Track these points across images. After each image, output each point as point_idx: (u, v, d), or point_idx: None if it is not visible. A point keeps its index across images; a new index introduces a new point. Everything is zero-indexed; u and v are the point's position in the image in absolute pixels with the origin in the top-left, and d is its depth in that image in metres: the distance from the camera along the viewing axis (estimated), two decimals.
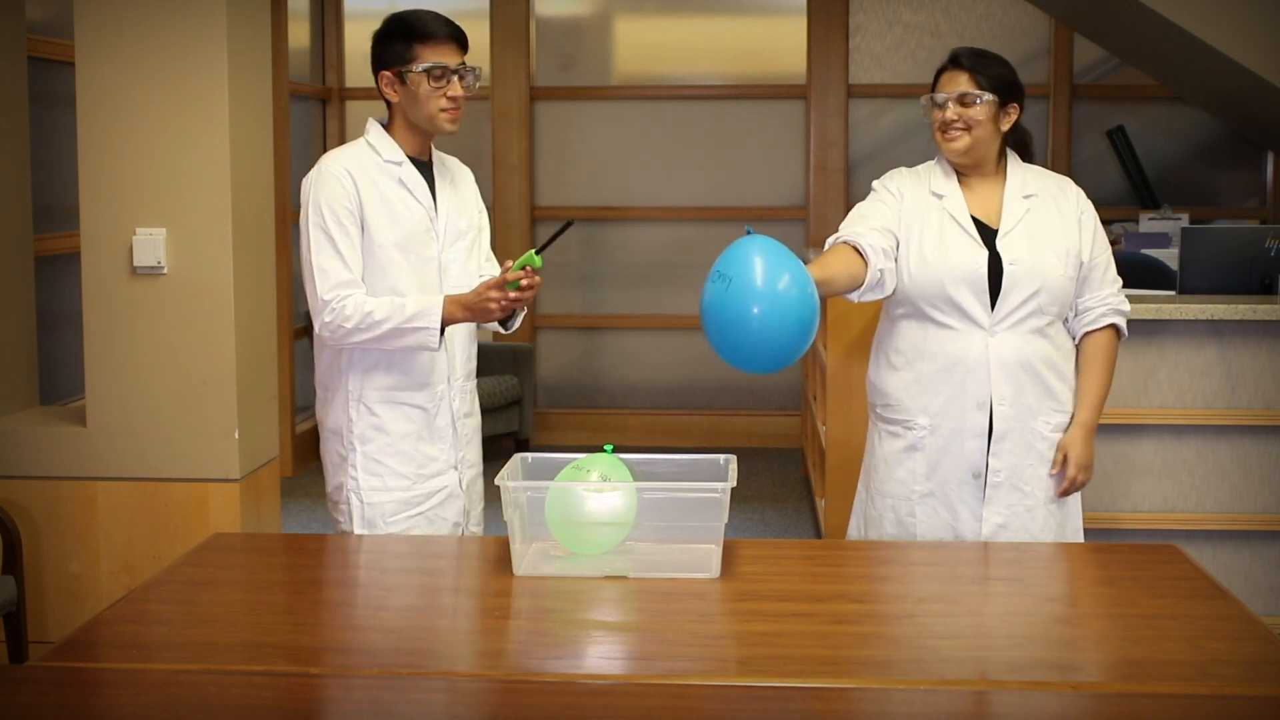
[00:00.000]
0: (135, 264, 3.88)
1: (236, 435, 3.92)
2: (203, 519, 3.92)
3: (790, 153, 7.44)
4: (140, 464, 3.95)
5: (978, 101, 2.91)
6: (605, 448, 2.57)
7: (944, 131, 2.95)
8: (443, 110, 2.92)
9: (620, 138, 7.50)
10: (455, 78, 2.91)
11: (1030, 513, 2.95)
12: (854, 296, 2.94)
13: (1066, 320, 3.01)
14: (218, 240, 3.88)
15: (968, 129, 2.92)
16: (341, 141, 7.23)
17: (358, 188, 2.91)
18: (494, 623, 2.27)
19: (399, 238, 2.93)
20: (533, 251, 2.87)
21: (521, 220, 7.43)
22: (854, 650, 2.16)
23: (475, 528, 3.14)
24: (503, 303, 2.85)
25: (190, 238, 3.89)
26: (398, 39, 2.92)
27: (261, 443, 4.05)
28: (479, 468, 3.16)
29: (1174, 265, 4.67)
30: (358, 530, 2.97)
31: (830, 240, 2.97)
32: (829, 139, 7.31)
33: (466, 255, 3.05)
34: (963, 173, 3.01)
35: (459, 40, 2.93)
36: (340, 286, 2.88)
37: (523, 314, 3.11)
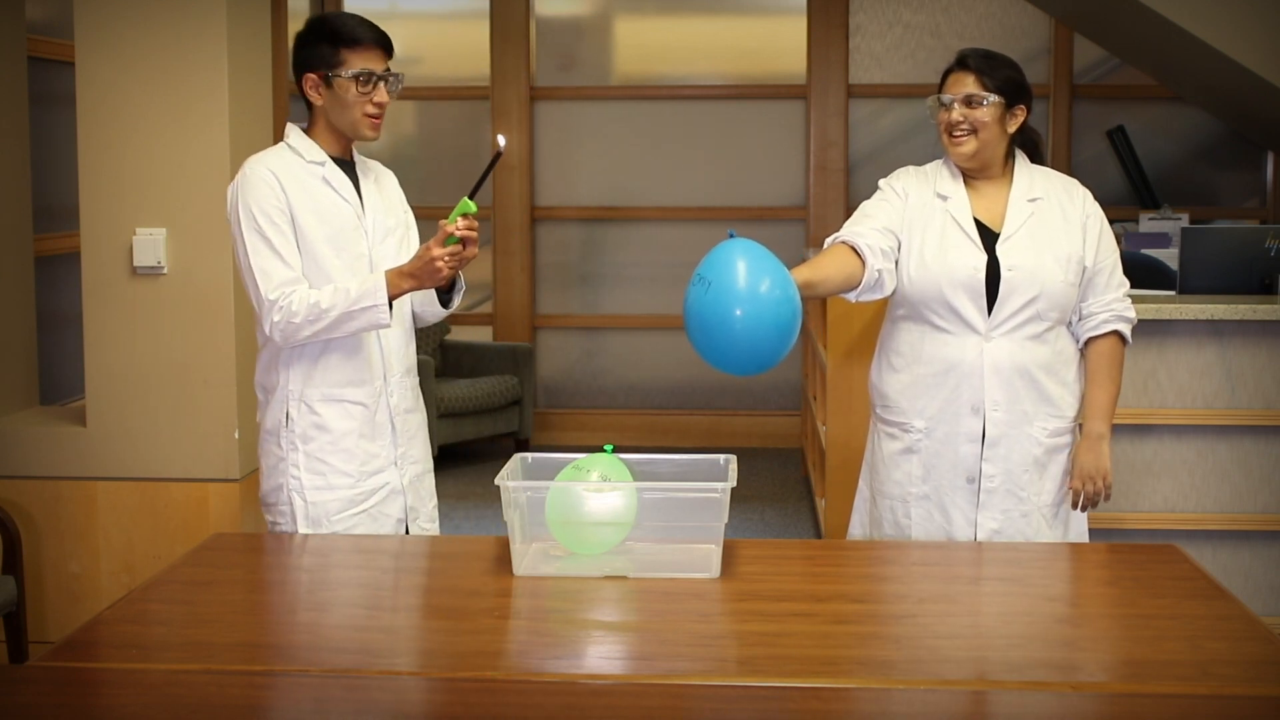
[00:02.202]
0: (135, 264, 3.88)
1: (236, 435, 3.92)
2: (203, 519, 3.93)
3: (790, 153, 7.44)
4: (140, 464, 3.95)
5: (984, 103, 2.89)
6: (605, 448, 2.57)
7: (950, 134, 2.93)
8: (367, 115, 2.90)
9: (620, 138, 7.51)
10: (381, 84, 2.89)
11: (1026, 518, 2.95)
12: (851, 296, 2.93)
13: (1071, 324, 3.00)
14: (218, 240, 3.88)
15: (974, 131, 2.90)
16: None
17: (284, 188, 2.89)
18: (494, 623, 2.26)
19: (330, 234, 2.91)
20: (466, 198, 2.79)
21: (522, 220, 7.43)
22: (854, 650, 2.16)
23: (429, 524, 3.10)
24: (448, 259, 2.79)
25: (190, 238, 3.89)
26: (324, 42, 2.89)
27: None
28: (426, 464, 3.12)
29: (1174, 265, 4.67)
30: (301, 530, 2.95)
31: (829, 240, 2.97)
32: (829, 139, 7.32)
33: (396, 251, 3.02)
34: (969, 174, 3.00)
35: (384, 46, 2.90)
36: (284, 284, 2.86)
37: (463, 287, 3.07)
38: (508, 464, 2.56)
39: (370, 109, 2.89)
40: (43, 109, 4.64)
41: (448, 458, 6.89)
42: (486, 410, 6.87)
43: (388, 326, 2.89)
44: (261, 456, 3.03)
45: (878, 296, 2.95)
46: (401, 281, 2.85)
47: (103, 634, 2.21)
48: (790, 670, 2.03)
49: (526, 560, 2.49)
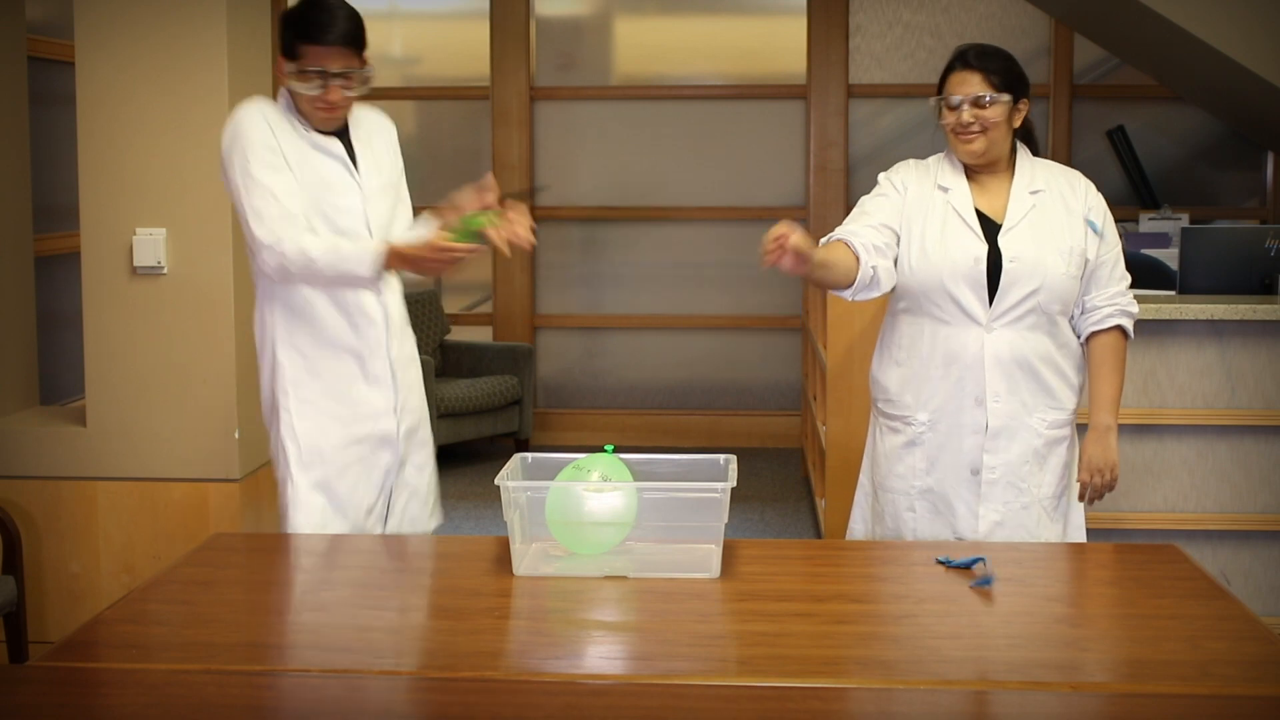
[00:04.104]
0: (135, 264, 3.88)
1: (236, 435, 3.92)
2: (203, 519, 3.92)
3: (790, 153, 7.44)
4: (140, 464, 3.95)
5: (993, 103, 2.89)
6: (605, 448, 2.57)
7: (959, 134, 2.93)
8: (317, 109, 2.90)
9: (620, 138, 7.50)
10: (336, 82, 2.87)
11: (1026, 510, 2.95)
12: (847, 295, 2.93)
13: (1072, 318, 3.00)
14: (218, 240, 3.88)
15: (984, 130, 2.91)
16: None
17: (276, 134, 2.90)
18: (494, 623, 2.27)
19: (317, 190, 2.92)
20: (490, 213, 2.77)
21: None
22: (854, 650, 2.16)
23: (416, 479, 3.11)
24: (441, 264, 2.79)
25: (190, 238, 3.89)
26: (290, 31, 2.89)
27: (261, 442, 4.03)
28: (421, 413, 3.13)
29: (1174, 265, 4.67)
30: (294, 475, 2.95)
31: (825, 239, 2.97)
32: (829, 139, 7.31)
33: (388, 211, 3.03)
34: (972, 168, 3.00)
35: (351, 43, 2.88)
36: (278, 221, 2.84)
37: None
38: (508, 464, 2.56)
39: (321, 104, 2.89)
40: (43, 109, 4.64)
41: (448, 458, 6.89)
42: (486, 410, 6.87)
43: (371, 290, 2.93)
44: (264, 412, 3.07)
45: (874, 294, 2.94)
46: (398, 262, 2.85)
47: (103, 634, 2.21)
48: (790, 670, 2.03)
49: (526, 560, 2.49)
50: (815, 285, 2.91)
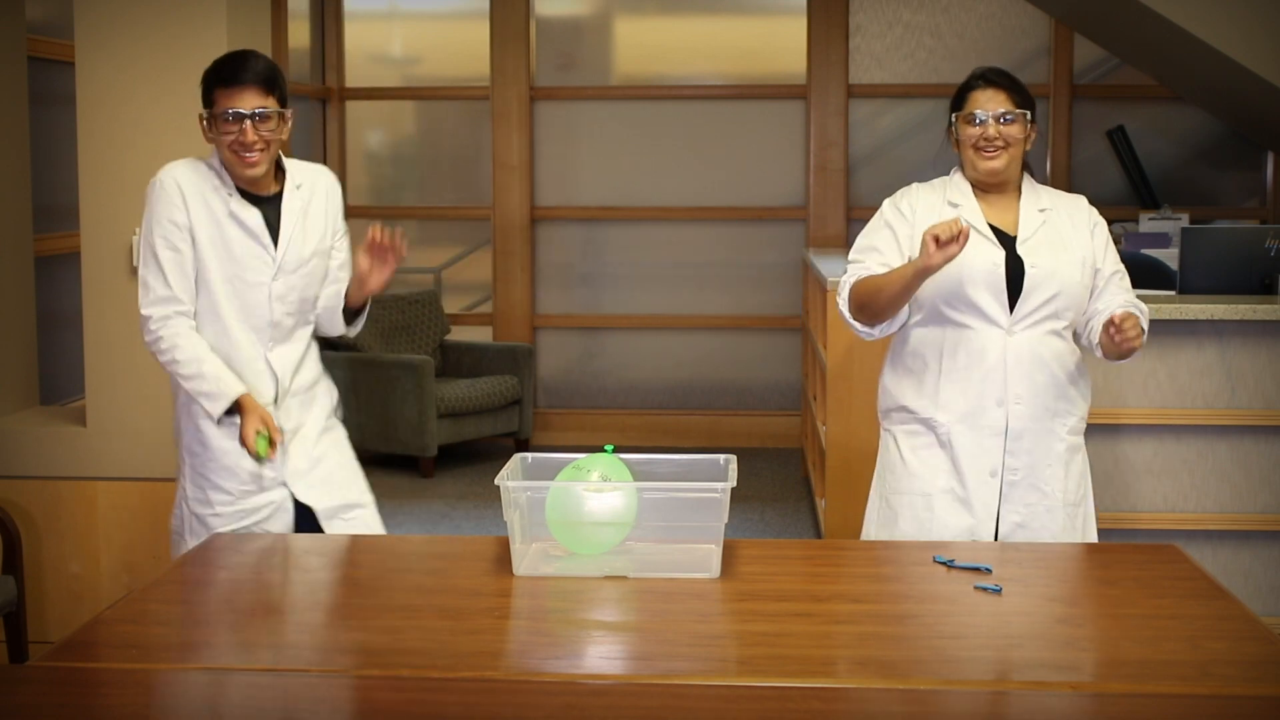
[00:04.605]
0: (135, 264, 3.88)
1: None
2: None
3: (790, 153, 7.44)
4: (140, 464, 3.95)
5: (1016, 120, 2.94)
6: (605, 448, 2.57)
7: (981, 149, 2.95)
8: (237, 156, 2.89)
9: (620, 138, 7.50)
10: (248, 123, 2.87)
11: (1049, 513, 2.96)
12: (875, 333, 3.00)
13: (1078, 333, 3.02)
14: None
15: (1006, 146, 2.95)
16: (341, 142, 7.24)
17: (188, 207, 2.91)
18: (494, 623, 2.27)
19: (224, 262, 2.93)
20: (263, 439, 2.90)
21: (522, 220, 7.43)
22: (854, 650, 2.16)
23: (359, 509, 3.10)
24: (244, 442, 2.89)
25: None
26: (205, 83, 2.92)
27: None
28: (335, 457, 3.11)
29: (1174, 265, 4.67)
30: (188, 541, 3.00)
31: (844, 281, 3.00)
32: (829, 139, 7.31)
33: (306, 281, 3.03)
34: (981, 189, 3.02)
35: (262, 83, 2.88)
36: (159, 303, 2.92)
37: (366, 313, 3.14)
38: (508, 464, 2.56)
39: (235, 146, 2.88)
40: (43, 109, 4.64)
41: (448, 458, 6.89)
42: (486, 410, 6.87)
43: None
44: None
45: (891, 330, 3.01)
46: (242, 414, 2.90)
47: (103, 634, 2.21)
48: (790, 670, 2.03)
49: (526, 560, 2.49)
50: (879, 308, 2.96)
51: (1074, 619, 2.32)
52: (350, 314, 3.10)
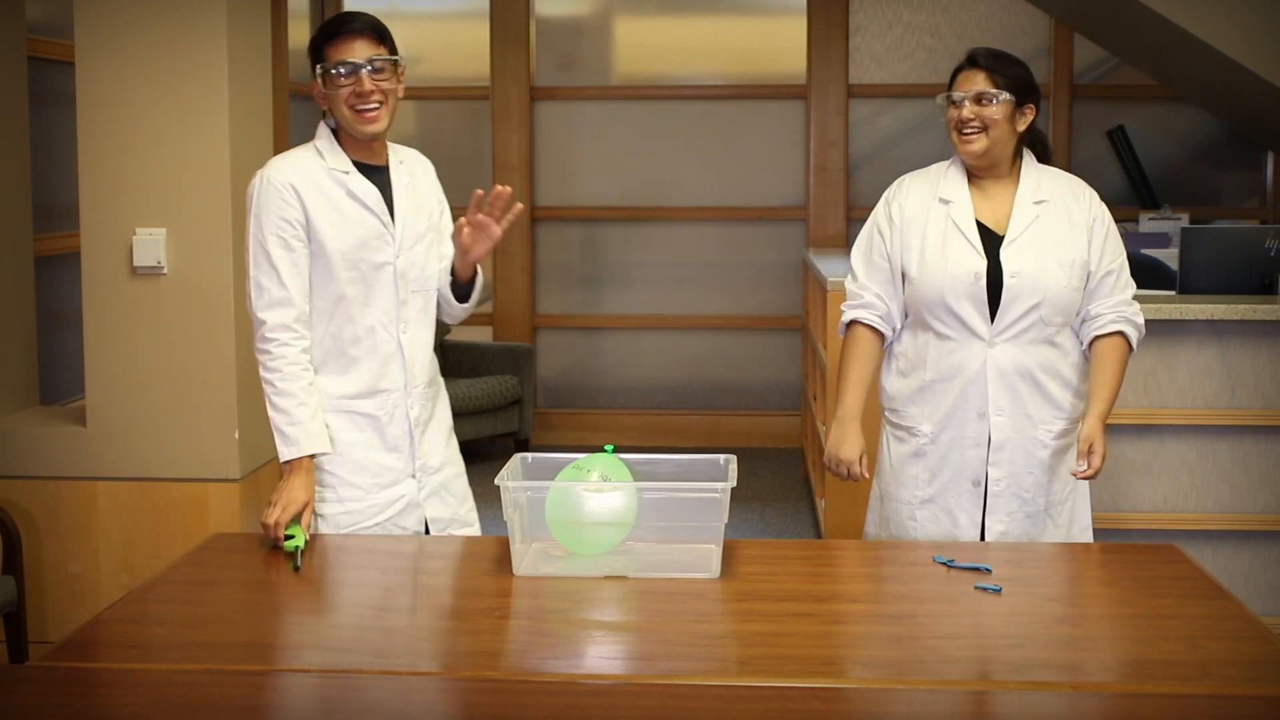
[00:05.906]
0: (135, 264, 3.88)
1: (236, 435, 3.92)
2: (203, 519, 3.92)
3: (790, 153, 7.44)
4: (140, 464, 3.95)
5: (995, 101, 2.89)
6: (605, 448, 2.57)
7: (960, 131, 2.93)
8: (352, 109, 2.81)
9: (620, 138, 7.50)
10: (363, 72, 2.79)
11: (1031, 519, 2.95)
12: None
13: (1075, 327, 2.99)
14: (218, 240, 3.88)
15: (984, 129, 2.91)
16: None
17: (302, 199, 2.81)
18: (494, 623, 2.26)
19: (349, 246, 2.84)
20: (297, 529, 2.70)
21: (522, 220, 7.43)
22: (854, 650, 2.16)
23: (467, 529, 3.04)
24: (268, 525, 2.69)
25: (190, 238, 3.89)
26: (313, 45, 2.85)
27: (261, 442, 4.04)
28: (456, 467, 3.04)
29: (1174, 265, 4.67)
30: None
31: (846, 311, 3.06)
32: (829, 139, 7.31)
33: (425, 258, 2.96)
34: (976, 174, 2.99)
35: (371, 34, 2.82)
36: (273, 307, 2.79)
37: (480, 285, 3.06)
38: (508, 464, 2.56)
39: (354, 100, 2.80)
40: (43, 109, 4.64)
41: None
42: (486, 410, 6.87)
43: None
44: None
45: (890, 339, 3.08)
46: (288, 490, 2.74)
47: (103, 634, 2.21)
48: (790, 670, 2.03)
49: (526, 560, 2.49)
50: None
51: (1074, 619, 2.32)
52: (460, 292, 3.02)
